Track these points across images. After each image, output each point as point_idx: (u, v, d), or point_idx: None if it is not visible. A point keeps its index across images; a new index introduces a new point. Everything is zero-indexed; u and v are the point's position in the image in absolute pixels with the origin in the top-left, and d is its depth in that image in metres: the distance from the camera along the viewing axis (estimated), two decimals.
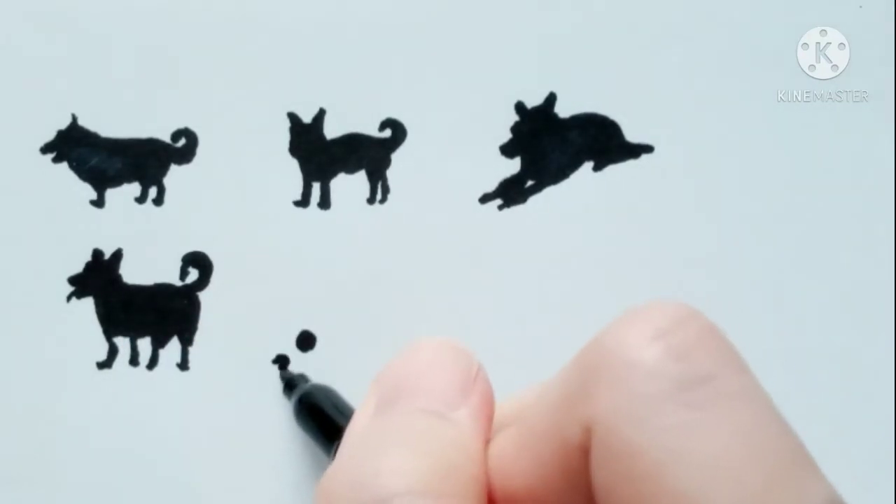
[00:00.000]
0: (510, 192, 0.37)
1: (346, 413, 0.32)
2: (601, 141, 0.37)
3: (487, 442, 0.18)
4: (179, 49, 0.37)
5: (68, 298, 0.36)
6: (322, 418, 0.33)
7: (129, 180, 0.37)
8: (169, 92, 0.37)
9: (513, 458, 0.17)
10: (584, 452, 0.16)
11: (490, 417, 0.18)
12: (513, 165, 0.37)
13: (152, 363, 0.36)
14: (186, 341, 0.36)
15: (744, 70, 0.37)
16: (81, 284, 0.36)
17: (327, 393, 0.34)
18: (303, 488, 0.36)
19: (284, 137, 0.37)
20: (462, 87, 0.37)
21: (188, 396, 0.36)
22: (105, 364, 0.36)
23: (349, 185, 0.37)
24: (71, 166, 0.37)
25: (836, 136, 0.37)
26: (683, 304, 0.16)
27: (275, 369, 0.36)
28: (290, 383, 0.36)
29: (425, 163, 0.37)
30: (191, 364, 0.36)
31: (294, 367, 0.36)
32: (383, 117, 0.37)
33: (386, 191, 0.37)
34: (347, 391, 0.34)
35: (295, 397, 0.35)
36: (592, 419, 0.15)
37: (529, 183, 0.37)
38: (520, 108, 0.37)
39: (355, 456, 0.17)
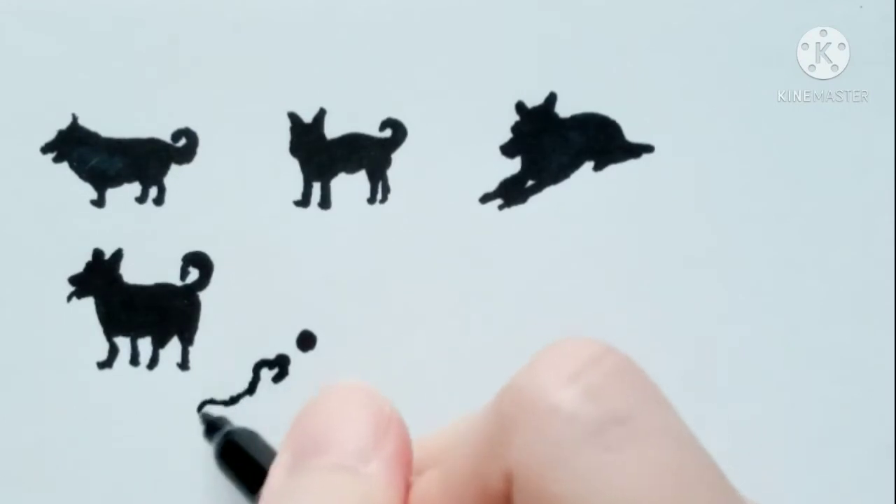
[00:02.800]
0: (510, 192, 0.37)
1: (268, 460, 0.31)
2: (601, 141, 0.37)
3: (408, 486, 0.18)
4: (179, 49, 0.37)
5: (68, 298, 0.36)
6: (245, 465, 0.33)
7: (130, 180, 0.37)
8: (169, 92, 0.37)
9: (437, 501, 0.17)
10: (506, 499, 0.15)
11: (408, 463, 0.18)
12: (513, 165, 0.37)
13: (153, 363, 0.36)
14: (186, 341, 0.36)
15: (744, 70, 0.37)
16: (82, 284, 0.36)
17: (250, 437, 0.34)
18: None
19: (285, 137, 0.37)
20: (462, 87, 0.37)
21: (188, 396, 0.36)
22: (105, 364, 0.36)
23: (349, 185, 0.37)
24: (71, 166, 0.37)
25: (836, 136, 0.37)
26: (596, 341, 0.16)
27: (272, 370, 0.36)
28: (212, 426, 0.35)
29: (425, 163, 0.37)
30: (191, 364, 0.36)
31: (294, 367, 0.36)
32: (383, 117, 0.37)
33: (386, 191, 0.37)
34: None
35: (217, 440, 0.34)
36: (511, 467, 0.15)
37: (530, 183, 0.37)
38: (520, 107, 0.37)
39: None
